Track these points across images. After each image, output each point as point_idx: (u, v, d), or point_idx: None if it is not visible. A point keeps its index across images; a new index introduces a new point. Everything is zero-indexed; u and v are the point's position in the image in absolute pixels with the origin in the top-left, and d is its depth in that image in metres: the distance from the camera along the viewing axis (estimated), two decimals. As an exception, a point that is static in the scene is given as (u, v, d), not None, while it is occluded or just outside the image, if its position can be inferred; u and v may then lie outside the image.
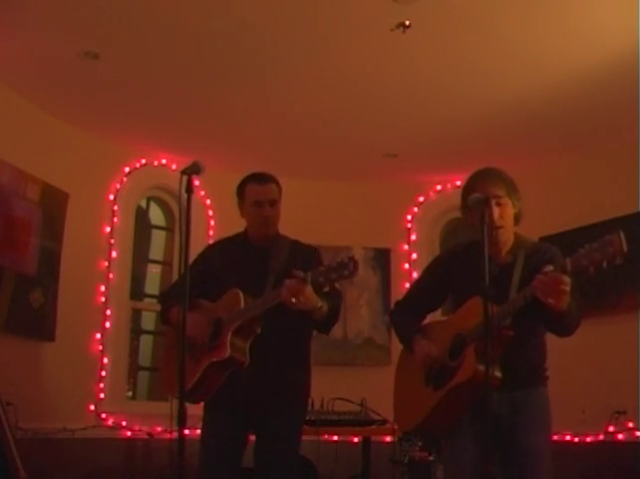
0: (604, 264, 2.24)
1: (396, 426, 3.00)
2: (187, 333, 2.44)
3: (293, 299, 2.75)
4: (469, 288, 2.61)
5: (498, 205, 2.68)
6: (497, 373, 2.53)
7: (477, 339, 2.52)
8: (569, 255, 2.38)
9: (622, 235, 2.23)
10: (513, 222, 2.75)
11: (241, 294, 2.95)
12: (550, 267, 2.40)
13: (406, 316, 2.98)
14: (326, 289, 2.73)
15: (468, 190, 2.73)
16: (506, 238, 2.73)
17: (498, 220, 2.67)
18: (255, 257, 3.13)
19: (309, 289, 2.75)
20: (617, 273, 4.83)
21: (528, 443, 2.62)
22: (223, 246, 3.31)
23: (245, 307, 2.92)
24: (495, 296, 2.50)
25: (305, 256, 3.12)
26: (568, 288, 2.38)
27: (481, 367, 2.42)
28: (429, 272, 3.02)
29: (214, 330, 2.98)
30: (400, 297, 3.11)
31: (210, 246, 3.47)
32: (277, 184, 3.18)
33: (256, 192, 3.12)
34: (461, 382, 2.56)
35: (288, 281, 2.75)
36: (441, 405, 2.65)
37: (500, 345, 2.52)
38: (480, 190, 2.66)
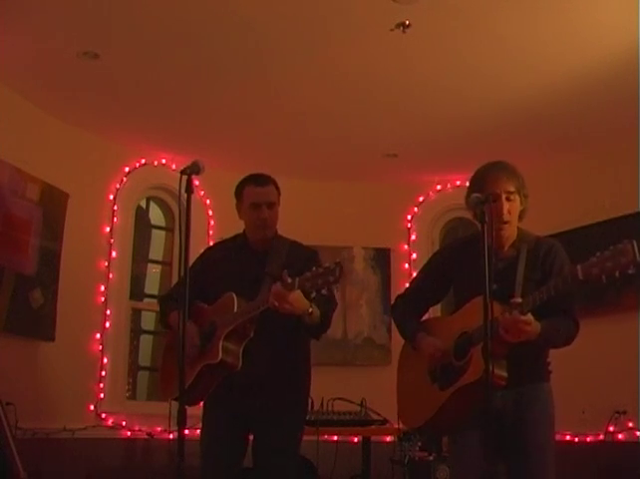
0: (617, 274, 2.23)
1: (400, 423, 2.98)
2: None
3: (276, 304, 2.75)
4: (470, 284, 2.60)
5: (508, 200, 2.69)
6: (504, 373, 2.53)
7: (483, 339, 2.51)
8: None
9: (635, 244, 2.21)
10: (518, 217, 2.76)
11: (235, 298, 2.95)
12: (519, 300, 2.48)
13: (408, 312, 2.97)
14: (313, 295, 2.73)
15: (477, 181, 2.73)
16: (510, 233, 2.74)
17: (506, 215, 2.68)
18: (253, 260, 3.13)
19: (296, 295, 2.75)
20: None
21: (534, 441, 2.62)
22: (222, 249, 3.31)
23: (238, 311, 2.93)
24: (500, 292, 2.51)
25: (303, 258, 3.09)
26: (529, 327, 2.45)
27: (493, 370, 2.41)
28: (430, 266, 3.01)
29: (208, 333, 2.98)
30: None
31: (209, 249, 3.47)
32: (276, 185, 3.16)
33: (254, 194, 3.11)
34: (469, 383, 2.55)
35: (274, 286, 2.77)
36: (448, 405, 2.64)
37: (506, 345, 2.51)
38: (492, 183, 2.67)
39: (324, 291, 2.71)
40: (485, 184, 2.68)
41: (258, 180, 3.14)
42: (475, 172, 2.79)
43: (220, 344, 2.89)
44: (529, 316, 2.45)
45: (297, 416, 3.15)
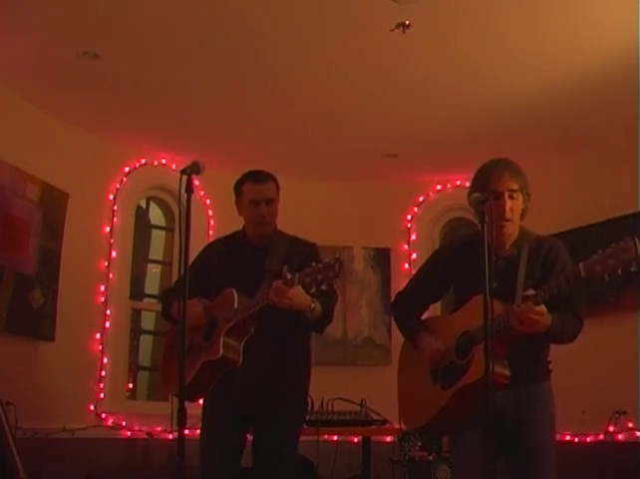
0: (619, 272, 2.23)
1: (402, 423, 2.97)
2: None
3: (276, 299, 2.77)
4: (471, 283, 2.60)
5: (511, 198, 2.69)
6: (506, 371, 2.54)
7: (484, 338, 2.50)
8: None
9: (637, 241, 2.20)
10: (520, 216, 2.76)
11: (236, 294, 2.97)
12: (532, 292, 2.46)
13: (408, 310, 2.97)
14: (312, 290, 2.74)
15: (480, 178, 2.73)
16: (512, 231, 2.74)
17: (509, 213, 2.68)
18: (253, 256, 3.14)
19: (296, 290, 2.77)
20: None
21: (535, 441, 2.62)
22: (222, 245, 3.32)
23: (238, 307, 2.94)
24: (501, 290, 2.51)
25: (303, 253, 3.11)
26: (543, 318, 2.44)
27: (494, 368, 2.41)
28: (430, 265, 3.01)
29: (209, 330, 2.99)
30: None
31: (209, 245, 3.48)
32: (275, 182, 3.17)
33: (253, 191, 3.12)
34: (471, 382, 2.54)
35: (275, 283, 2.78)
36: (450, 404, 2.63)
37: (508, 344, 2.51)
38: (495, 180, 2.67)
39: (324, 287, 2.72)
40: (489, 181, 2.67)
41: (257, 176, 3.15)
42: (478, 168, 2.79)
43: (221, 340, 2.90)
44: (543, 307, 2.45)
45: (297, 412, 3.17)
